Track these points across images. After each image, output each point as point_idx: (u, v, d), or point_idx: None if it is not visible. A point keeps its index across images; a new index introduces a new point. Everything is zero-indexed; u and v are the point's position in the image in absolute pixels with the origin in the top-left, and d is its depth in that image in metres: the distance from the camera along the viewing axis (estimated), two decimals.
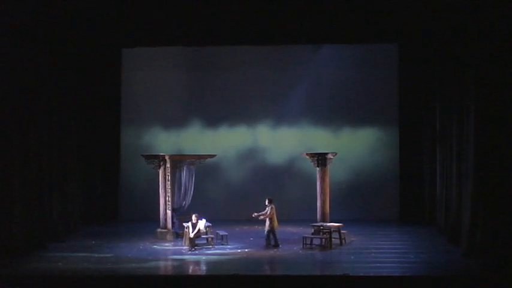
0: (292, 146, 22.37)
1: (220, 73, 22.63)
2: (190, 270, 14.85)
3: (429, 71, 20.23)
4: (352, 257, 15.43)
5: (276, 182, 22.55)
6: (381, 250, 16.36)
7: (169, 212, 18.25)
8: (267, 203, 17.00)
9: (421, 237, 18.29)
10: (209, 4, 16.57)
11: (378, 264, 14.45)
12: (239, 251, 16.46)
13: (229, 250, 16.57)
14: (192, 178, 18.73)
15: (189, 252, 16.34)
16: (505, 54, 14.23)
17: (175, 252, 16.41)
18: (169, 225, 18.20)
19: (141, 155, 19.34)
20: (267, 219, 16.86)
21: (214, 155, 19.52)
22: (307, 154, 18.78)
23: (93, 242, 17.75)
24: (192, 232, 16.75)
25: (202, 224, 17.08)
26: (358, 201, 22.07)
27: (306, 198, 21.04)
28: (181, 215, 18.35)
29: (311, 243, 17.05)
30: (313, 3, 16.58)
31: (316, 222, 18.07)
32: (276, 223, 16.90)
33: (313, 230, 17.57)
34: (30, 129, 16.27)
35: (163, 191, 18.41)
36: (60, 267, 14.38)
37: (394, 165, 22.19)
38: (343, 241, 17.28)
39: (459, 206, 16.42)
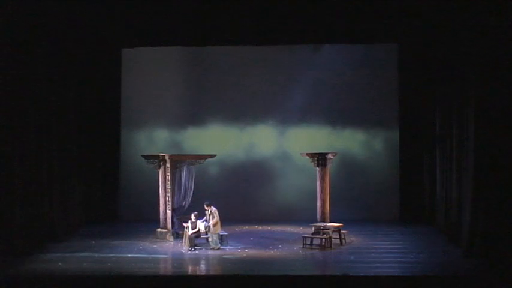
0: (292, 146, 22.38)
1: (220, 73, 22.60)
2: (190, 270, 14.87)
3: (429, 71, 20.23)
4: (352, 257, 15.43)
5: (276, 182, 22.60)
6: (380, 250, 16.37)
7: (169, 212, 18.25)
8: (206, 207, 16.85)
9: (421, 237, 18.29)
10: (209, 4, 16.56)
11: (378, 264, 14.46)
12: (239, 251, 16.48)
13: (229, 250, 16.58)
14: (192, 178, 18.72)
15: (189, 252, 16.35)
16: (505, 54, 14.24)
17: (175, 252, 16.42)
18: (169, 225, 18.20)
19: (141, 155, 19.33)
20: (213, 222, 16.69)
21: (214, 155, 19.51)
22: (307, 154, 18.79)
23: (93, 242, 17.75)
24: (191, 231, 16.79)
25: (202, 223, 17.09)
26: (358, 201, 22.06)
27: (306, 198, 21.05)
28: (181, 215, 18.35)
29: (311, 243, 17.06)
30: (313, 3, 16.57)
31: (316, 222, 18.09)
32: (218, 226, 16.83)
33: (313, 230, 17.58)
34: (30, 129, 16.27)
35: (163, 191, 18.42)
36: (60, 267, 14.38)
37: (394, 166, 22.19)
38: (343, 241, 17.29)
39: (459, 206, 16.43)
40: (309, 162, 18.91)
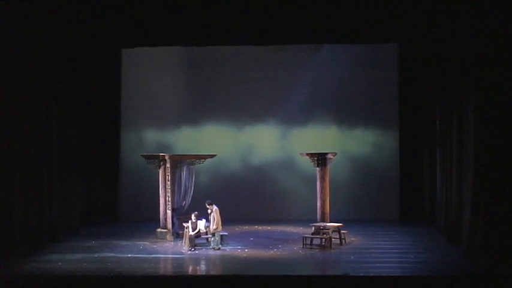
0: (292, 146, 22.38)
1: (220, 73, 22.60)
2: (190, 270, 14.87)
3: (429, 71, 20.22)
4: (352, 257, 15.43)
5: (275, 182, 22.58)
6: (380, 250, 16.37)
7: (169, 212, 18.25)
8: (208, 206, 16.81)
9: (421, 237, 18.29)
10: (209, 4, 16.57)
11: (378, 264, 14.46)
12: (239, 251, 16.47)
13: (229, 250, 16.58)
14: (192, 178, 18.72)
15: (189, 252, 16.35)
16: (505, 54, 14.23)
17: (175, 252, 16.42)
18: (169, 225, 18.20)
19: (141, 155, 19.33)
20: (213, 221, 16.67)
21: (214, 155, 19.48)
22: (307, 154, 18.77)
23: (93, 242, 17.75)
24: (192, 232, 16.79)
25: (202, 223, 17.09)
26: (358, 201, 22.06)
27: (306, 198, 21.04)
28: (181, 215, 18.35)
29: (311, 243, 17.06)
30: (313, 3, 16.57)
31: (316, 222, 18.08)
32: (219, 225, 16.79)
33: (313, 230, 17.58)
34: (30, 129, 16.26)
35: (163, 191, 18.42)
36: (60, 267, 14.39)
37: (394, 166, 22.19)
38: (343, 241, 17.29)
39: (459, 206, 16.43)
40: (309, 162, 18.88)
